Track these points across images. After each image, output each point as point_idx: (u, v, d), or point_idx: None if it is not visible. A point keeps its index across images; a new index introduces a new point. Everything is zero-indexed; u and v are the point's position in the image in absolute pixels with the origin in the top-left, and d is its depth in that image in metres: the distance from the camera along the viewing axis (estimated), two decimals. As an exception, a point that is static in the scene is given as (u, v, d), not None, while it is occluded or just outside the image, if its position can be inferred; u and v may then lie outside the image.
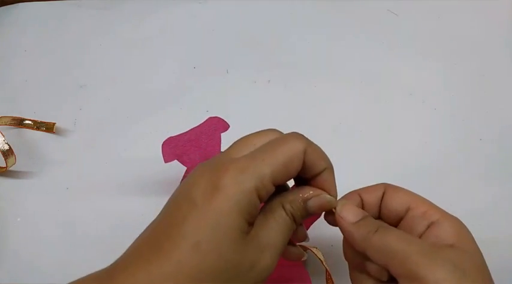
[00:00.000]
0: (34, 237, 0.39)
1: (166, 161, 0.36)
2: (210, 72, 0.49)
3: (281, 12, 0.53)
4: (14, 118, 0.45)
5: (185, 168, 0.38)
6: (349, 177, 0.43)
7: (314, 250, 0.36)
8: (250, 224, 0.25)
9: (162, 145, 0.37)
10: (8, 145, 0.41)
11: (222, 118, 0.38)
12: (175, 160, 0.36)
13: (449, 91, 0.47)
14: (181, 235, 0.24)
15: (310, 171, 0.27)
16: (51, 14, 0.53)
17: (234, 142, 0.28)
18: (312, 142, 0.27)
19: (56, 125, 0.45)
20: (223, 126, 0.38)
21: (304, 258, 0.31)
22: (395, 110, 0.46)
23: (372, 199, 0.30)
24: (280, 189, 0.28)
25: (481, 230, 0.40)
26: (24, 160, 0.43)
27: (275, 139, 0.27)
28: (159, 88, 0.48)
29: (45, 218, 0.40)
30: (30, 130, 0.45)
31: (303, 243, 0.31)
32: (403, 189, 0.30)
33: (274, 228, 0.26)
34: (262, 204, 0.27)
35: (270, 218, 0.26)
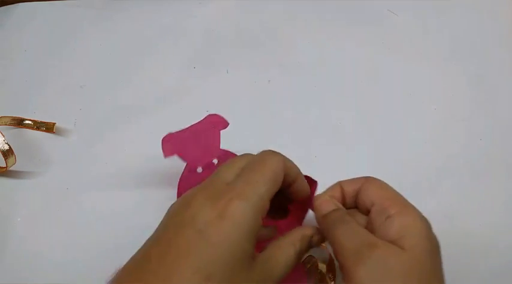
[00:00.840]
0: (34, 237, 0.39)
1: (165, 156, 0.36)
2: (210, 72, 0.49)
3: (281, 12, 0.53)
4: (14, 118, 0.45)
5: (185, 164, 0.38)
6: (349, 176, 0.43)
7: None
8: (255, 245, 0.26)
9: (162, 140, 0.37)
10: (8, 145, 0.41)
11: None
12: (178, 160, 0.36)
13: (449, 91, 0.47)
14: (191, 268, 0.23)
15: (288, 179, 0.29)
16: (51, 14, 0.53)
17: (220, 167, 0.29)
18: (284, 155, 0.30)
19: (56, 125, 0.45)
20: (223, 123, 0.38)
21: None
22: (395, 110, 0.46)
23: (350, 191, 0.31)
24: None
25: (481, 230, 0.40)
26: (24, 160, 0.43)
27: (257, 159, 0.29)
28: (159, 88, 0.48)
29: (45, 218, 0.40)
30: (30, 130, 0.45)
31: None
32: (381, 183, 0.30)
33: (280, 262, 0.27)
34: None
35: (278, 254, 0.28)
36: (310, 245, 0.30)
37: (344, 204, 0.32)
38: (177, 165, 0.36)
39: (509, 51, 0.50)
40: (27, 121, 0.45)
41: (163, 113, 0.46)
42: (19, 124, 0.45)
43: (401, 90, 0.47)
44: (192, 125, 0.37)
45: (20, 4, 0.54)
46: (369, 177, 0.31)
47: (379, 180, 0.31)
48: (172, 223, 0.26)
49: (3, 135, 0.42)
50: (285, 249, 0.28)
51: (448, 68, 0.49)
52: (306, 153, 0.43)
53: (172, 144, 0.37)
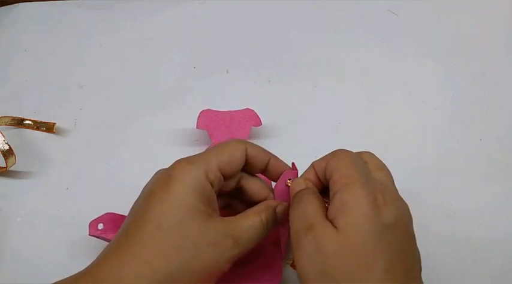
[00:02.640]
0: (34, 237, 0.39)
1: (197, 127, 0.41)
2: (210, 72, 0.49)
3: (281, 12, 0.53)
4: (14, 118, 0.45)
5: (211, 143, 0.41)
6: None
7: None
8: (210, 207, 0.29)
9: (200, 112, 0.41)
10: (8, 145, 0.41)
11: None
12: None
13: (449, 91, 0.47)
14: (145, 220, 0.28)
15: (258, 165, 0.33)
16: (51, 14, 0.53)
17: None
18: (252, 143, 0.33)
19: (56, 125, 0.45)
20: (256, 121, 0.42)
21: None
22: (395, 110, 0.46)
23: (320, 170, 0.31)
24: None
25: (481, 230, 0.40)
26: (24, 160, 0.43)
27: (221, 142, 0.33)
28: (159, 88, 0.48)
29: (45, 219, 0.40)
30: (30, 130, 0.45)
31: None
32: (342, 157, 0.30)
33: (244, 226, 0.29)
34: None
35: (242, 219, 0.30)
36: (275, 215, 0.32)
37: (321, 184, 0.32)
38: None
39: (509, 51, 0.50)
40: (27, 121, 0.45)
41: (163, 113, 0.46)
42: (19, 124, 0.45)
43: (401, 90, 0.47)
44: (230, 110, 0.42)
45: (20, 4, 0.54)
46: (335, 151, 0.31)
47: (344, 154, 0.30)
48: (141, 194, 0.31)
49: (3, 135, 0.42)
50: (250, 216, 0.30)
51: (448, 68, 0.49)
52: (306, 153, 0.43)
53: (207, 119, 0.41)
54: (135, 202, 0.31)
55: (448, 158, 0.43)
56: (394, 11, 0.53)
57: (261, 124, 0.42)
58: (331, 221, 0.27)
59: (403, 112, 0.46)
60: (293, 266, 0.34)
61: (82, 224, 0.39)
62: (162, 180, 0.29)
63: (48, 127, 0.45)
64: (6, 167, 0.42)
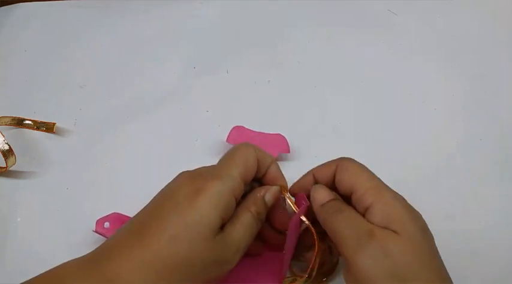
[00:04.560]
0: (34, 237, 0.39)
1: (227, 141, 0.41)
2: (210, 72, 0.49)
3: (281, 12, 0.53)
4: (14, 118, 0.45)
5: None
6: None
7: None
8: (223, 224, 0.29)
9: (233, 128, 0.42)
10: (8, 145, 0.41)
11: (285, 138, 0.42)
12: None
13: (449, 91, 0.47)
14: (161, 228, 0.28)
15: (262, 168, 0.33)
16: (51, 14, 0.53)
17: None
18: (257, 146, 0.33)
19: (56, 125, 0.45)
20: (284, 148, 0.42)
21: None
22: (395, 110, 0.46)
23: (323, 179, 0.32)
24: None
25: (481, 230, 0.40)
26: (24, 160, 0.43)
27: (231, 149, 0.33)
28: (159, 88, 0.48)
29: (45, 219, 0.40)
30: (30, 130, 0.45)
31: None
32: (353, 168, 0.31)
33: (240, 231, 0.30)
34: None
35: (237, 223, 0.30)
36: (265, 204, 0.32)
37: None
38: (178, 170, 0.36)
39: (509, 51, 0.50)
40: (27, 121, 0.45)
41: (163, 113, 0.46)
42: (19, 124, 0.45)
43: (402, 90, 0.47)
44: (261, 132, 0.42)
45: (20, 4, 0.54)
46: (340, 160, 0.32)
47: (351, 163, 0.32)
48: (160, 196, 0.31)
49: (3, 135, 0.42)
50: (242, 215, 0.31)
51: (448, 67, 0.49)
52: (306, 153, 0.43)
53: (238, 135, 0.41)
54: (153, 199, 0.31)
55: (448, 158, 0.43)
56: (394, 11, 0.53)
57: (289, 152, 0.42)
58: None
59: (403, 112, 0.46)
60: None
61: (82, 224, 0.39)
62: (189, 191, 0.29)
63: (48, 127, 0.45)
64: (6, 167, 0.42)
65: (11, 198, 0.41)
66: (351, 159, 0.32)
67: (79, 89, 0.48)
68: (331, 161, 0.33)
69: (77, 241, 0.39)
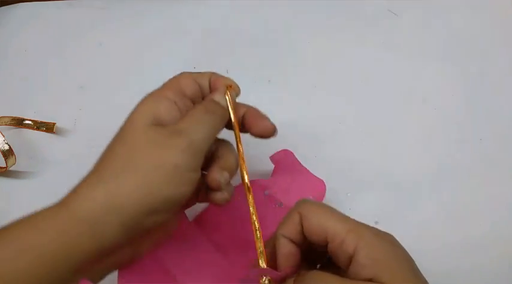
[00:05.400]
0: (34, 237, 0.39)
1: (271, 158, 0.40)
2: (210, 72, 0.49)
3: (281, 12, 0.53)
4: (14, 118, 0.45)
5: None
6: (348, 176, 0.43)
7: None
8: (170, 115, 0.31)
9: (282, 150, 0.40)
10: (8, 145, 0.41)
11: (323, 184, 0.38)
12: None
13: (449, 91, 0.47)
14: (110, 160, 0.32)
15: (203, 81, 0.34)
16: (51, 14, 0.53)
17: None
18: (195, 73, 0.34)
19: (56, 125, 0.45)
20: (320, 194, 0.38)
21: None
22: (395, 110, 0.46)
23: (293, 234, 0.28)
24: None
25: (481, 230, 0.40)
26: (24, 160, 0.43)
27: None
28: (159, 88, 0.48)
29: (45, 219, 0.40)
30: (30, 130, 0.45)
31: None
32: (317, 209, 0.28)
33: (187, 121, 0.31)
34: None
35: (185, 116, 0.31)
36: (216, 102, 0.33)
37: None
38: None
39: (509, 51, 0.50)
40: (27, 121, 0.45)
41: (163, 113, 0.46)
42: (19, 124, 0.45)
43: (401, 90, 0.47)
44: (306, 169, 0.39)
45: (20, 4, 0.54)
46: (300, 208, 0.28)
47: (313, 207, 0.28)
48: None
49: (3, 135, 0.42)
50: (193, 112, 0.31)
51: (448, 67, 0.49)
52: (306, 153, 0.43)
53: (283, 159, 0.39)
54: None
55: (448, 158, 0.43)
56: (394, 11, 0.53)
57: (323, 199, 0.38)
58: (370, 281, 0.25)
59: (403, 113, 0.46)
60: None
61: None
62: (128, 119, 0.34)
63: (48, 127, 0.45)
64: (6, 167, 0.42)
65: (11, 198, 0.41)
66: (310, 201, 0.29)
67: (79, 89, 0.48)
68: (290, 211, 0.29)
69: (77, 241, 0.39)
